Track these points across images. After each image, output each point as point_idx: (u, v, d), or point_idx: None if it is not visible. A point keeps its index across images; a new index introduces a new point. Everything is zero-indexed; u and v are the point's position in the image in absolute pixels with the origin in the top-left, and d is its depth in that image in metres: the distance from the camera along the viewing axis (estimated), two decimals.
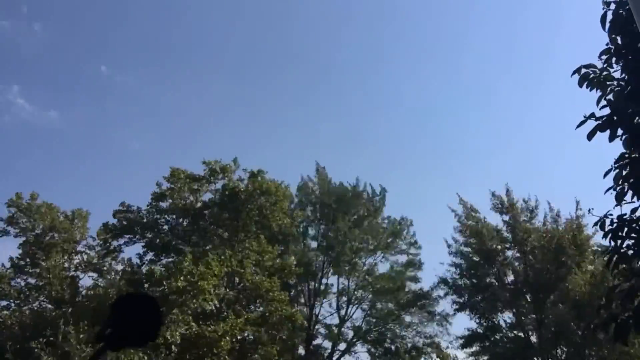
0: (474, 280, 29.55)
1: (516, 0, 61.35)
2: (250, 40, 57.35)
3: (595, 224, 6.55)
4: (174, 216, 26.89)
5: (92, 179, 49.27)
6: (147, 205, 26.58)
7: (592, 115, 6.31)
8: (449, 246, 29.94)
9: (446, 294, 30.37)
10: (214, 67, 57.37)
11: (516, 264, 29.28)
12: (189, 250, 22.52)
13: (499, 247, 29.37)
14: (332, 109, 56.76)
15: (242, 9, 59.54)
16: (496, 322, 29.28)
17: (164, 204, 26.73)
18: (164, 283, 20.46)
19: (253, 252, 23.67)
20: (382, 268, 32.05)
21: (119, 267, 25.98)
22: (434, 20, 62.36)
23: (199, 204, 26.84)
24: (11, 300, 23.99)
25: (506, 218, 29.35)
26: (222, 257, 21.98)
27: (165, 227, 26.93)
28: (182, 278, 20.19)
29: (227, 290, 23.59)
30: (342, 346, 30.97)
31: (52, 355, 18.89)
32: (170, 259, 24.74)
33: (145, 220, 26.53)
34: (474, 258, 29.57)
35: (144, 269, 24.91)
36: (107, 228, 26.05)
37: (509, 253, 29.49)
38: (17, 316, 22.69)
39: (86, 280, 25.96)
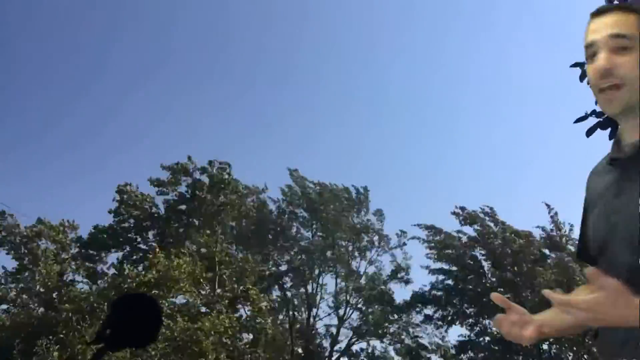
0: (454, 293, 29.86)
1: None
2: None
3: None
4: (148, 223, 27.05)
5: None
6: (112, 221, 26.68)
7: (594, 112, 6.29)
8: (426, 267, 29.94)
9: (435, 312, 30.54)
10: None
11: (491, 269, 29.61)
12: (156, 247, 22.73)
13: (474, 254, 29.79)
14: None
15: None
16: (486, 326, 29.55)
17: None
18: (134, 278, 20.43)
19: (228, 256, 23.98)
20: (376, 269, 32.35)
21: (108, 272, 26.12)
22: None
23: (168, 205, 26.93)
24: (4, 305, 24.31)
25: (477, 227, 29.69)
26: (194, 253, 22.13)
27: (138, 237, 27.21)
28: (153, 271, 20.25)
29: (211, 293, 23.73)
30: (341, 345, 31.19)
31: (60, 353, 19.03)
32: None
33: (118, 232, 26.72)
34: (452, 269, 29.88)
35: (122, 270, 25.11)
36: (82, 243, 26.48)
37: (485, 261, 29.78)
38: (12, 319, 22.90)
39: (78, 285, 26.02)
